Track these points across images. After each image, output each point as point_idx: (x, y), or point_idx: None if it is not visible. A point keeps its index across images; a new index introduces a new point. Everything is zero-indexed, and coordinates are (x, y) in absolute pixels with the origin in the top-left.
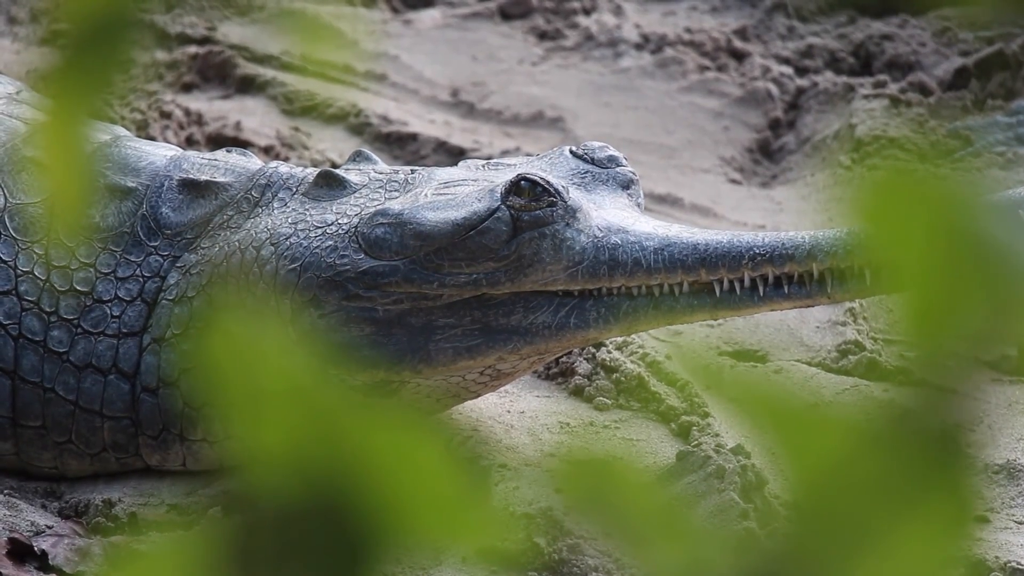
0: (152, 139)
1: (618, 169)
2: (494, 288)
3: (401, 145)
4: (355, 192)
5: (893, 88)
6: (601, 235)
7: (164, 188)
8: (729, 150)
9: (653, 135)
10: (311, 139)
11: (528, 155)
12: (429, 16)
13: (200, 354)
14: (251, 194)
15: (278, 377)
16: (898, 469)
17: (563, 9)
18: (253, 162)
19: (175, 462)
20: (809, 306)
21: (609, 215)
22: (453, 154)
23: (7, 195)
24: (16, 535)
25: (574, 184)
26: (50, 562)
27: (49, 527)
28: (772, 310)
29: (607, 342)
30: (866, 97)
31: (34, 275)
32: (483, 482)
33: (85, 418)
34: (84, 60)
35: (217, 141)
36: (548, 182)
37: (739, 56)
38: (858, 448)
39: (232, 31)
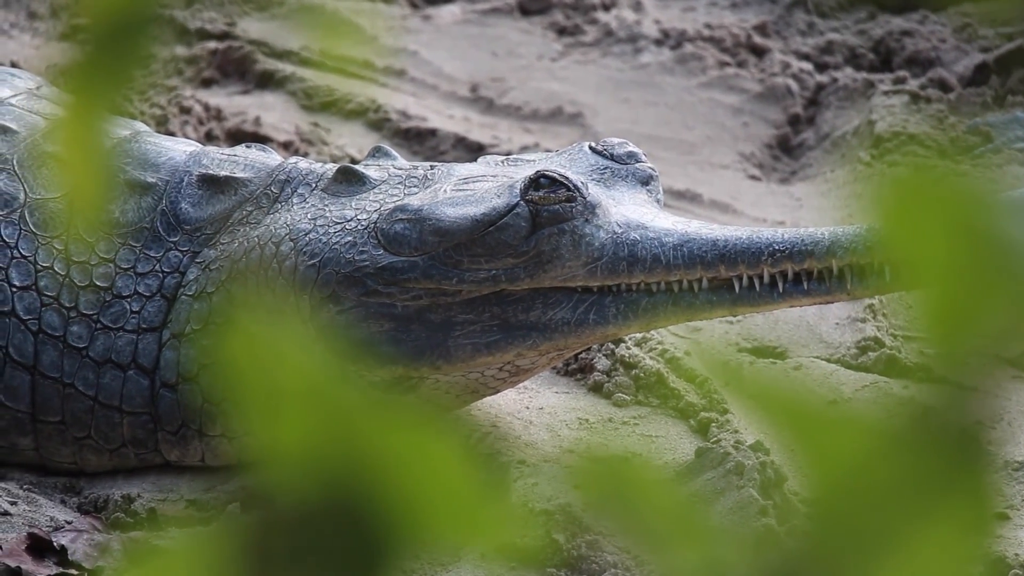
0: (171, 134)
1: (637, 165)
2: (513, 284)
3: (420, 141)
4: (374, 188)
5: (913, 84)
6: (620, 231)
7: (184, 184)
8: (749, 146)
9: (672, 131)
10: (330, 135)
11: (547, 151)
12: (448, 11)
13: (219, 350)
14: (270, 190)
15: (296, 373)
16: (918, 466)
17: (583, 5)
18: (272, 158)
19: (194, 458)
20: (829, 302)
21: (628, 211)
22: (472, 150)
23: (27, 190)
24: (35, 530)
25: (593, 180)
26: (69, 557)
27: (68, 522)
28: (791, 306)
29: (626, 338)
30: (886, 93)
31: (54, 270)
32: (502, 478)
33: (104, 414)
34: (104, 55)
35: (236, 137)
36: (567, 178)
37: (759, 52)
38: (878, 445)
39: (251, 26)
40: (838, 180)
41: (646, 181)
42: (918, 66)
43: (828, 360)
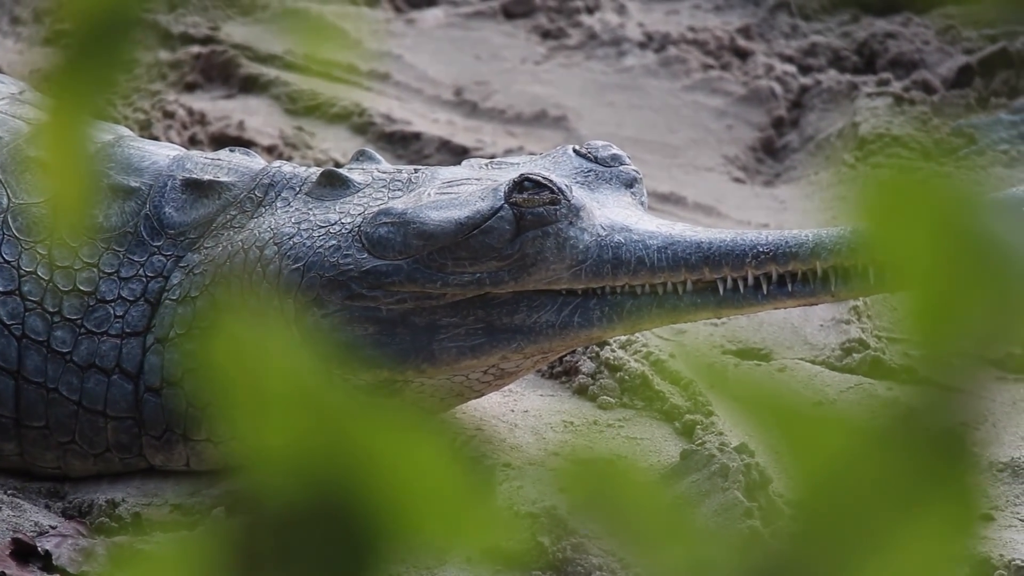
0: (155, 139)
1: (621, 168)
2: (498, 287)
3: (404, 144)
4: (358, 191)
5: (897, 86)
6: (605, 234)
7: (167, 188)
8: (733, 149)
9: (657, 134)
10: (314, 138)
11: (531, 154)
12: (432, 15)
13: (203, 354)
14: (254, 194)
15: (281, 377)
16: (902, 468)
17: (566, 8)
18: (256, 162)
19: (179, 462)
20: (813, 304)
21: (612, 214)
22: (456, 153)
23: (10, 195)
24: (20, 535)
25: (577, 183)
26: (54, 562)
27: (53, 527)
28: (776, 308)
29: (611, 341)
30: (870, 95)
31: (37, 275)
32: (487, 481)
33: (88, 418)
34: (87, 60)
35: (220, 141)
36: (551, 181)
37: (743, 55)
38: (862, 447)
39: (235, 31)
40: (822, 182)
41: (630, 184)
42: (902, 68)
43: (813, 362)
